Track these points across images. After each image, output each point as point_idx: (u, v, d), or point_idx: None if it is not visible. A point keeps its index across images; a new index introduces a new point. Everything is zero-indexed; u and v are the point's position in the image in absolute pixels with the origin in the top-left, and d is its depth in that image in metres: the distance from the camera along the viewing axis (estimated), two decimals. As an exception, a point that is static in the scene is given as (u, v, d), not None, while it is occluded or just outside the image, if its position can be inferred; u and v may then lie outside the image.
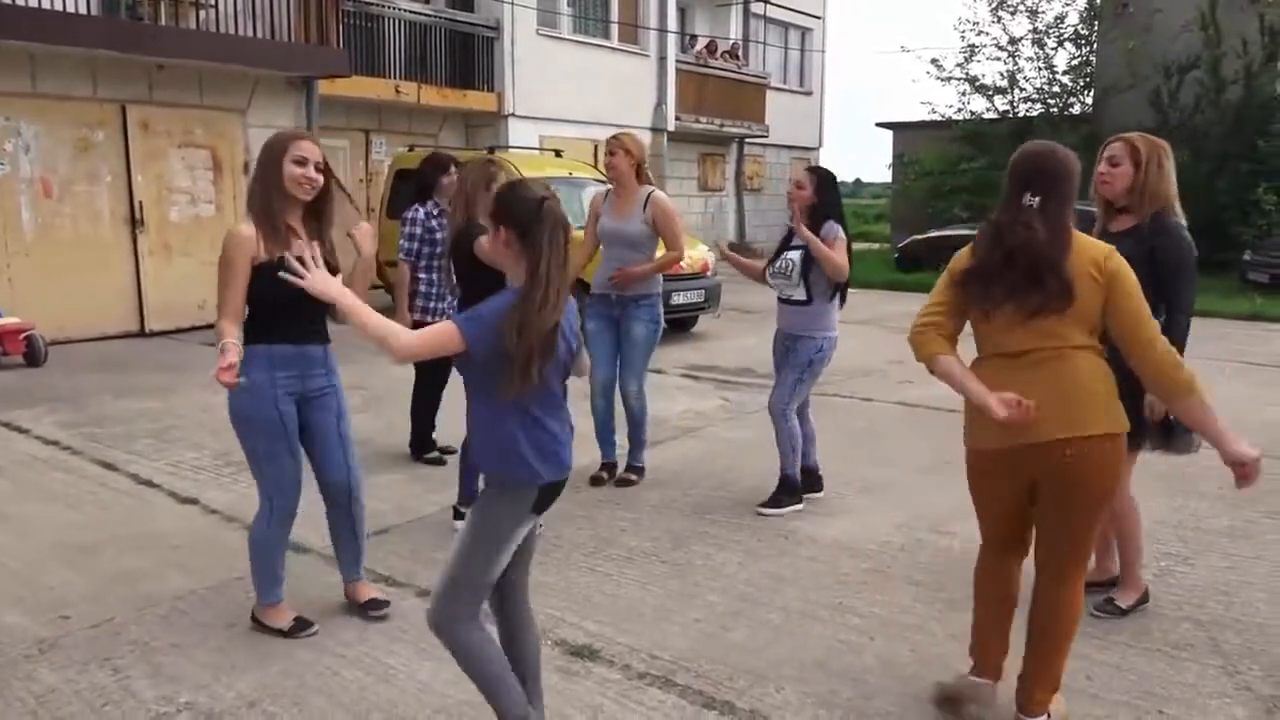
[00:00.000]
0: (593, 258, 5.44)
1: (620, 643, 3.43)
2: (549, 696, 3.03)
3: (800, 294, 4.70)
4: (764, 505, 4.85)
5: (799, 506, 4.85)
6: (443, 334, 2.37)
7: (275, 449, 3.31)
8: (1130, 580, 3.72)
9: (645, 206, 5.07)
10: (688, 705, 3.03)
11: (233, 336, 3.13)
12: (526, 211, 2.40)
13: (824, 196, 4.68)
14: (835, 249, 4.60)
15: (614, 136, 5.17)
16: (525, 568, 2.75)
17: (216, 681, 3.14)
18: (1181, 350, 3.00)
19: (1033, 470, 2.72)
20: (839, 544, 4.44)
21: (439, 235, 5.44)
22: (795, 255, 4.71)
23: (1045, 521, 2.79)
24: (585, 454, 5.14)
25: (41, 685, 3.12)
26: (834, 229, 4.64)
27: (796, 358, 4.76)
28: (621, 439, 5.39)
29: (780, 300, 4.84)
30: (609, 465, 5.37)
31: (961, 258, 2.80)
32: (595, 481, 5.27)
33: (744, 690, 3.12)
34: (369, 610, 3.62)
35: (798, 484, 4.88)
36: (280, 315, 3.23)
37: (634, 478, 5.32)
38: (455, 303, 5.39)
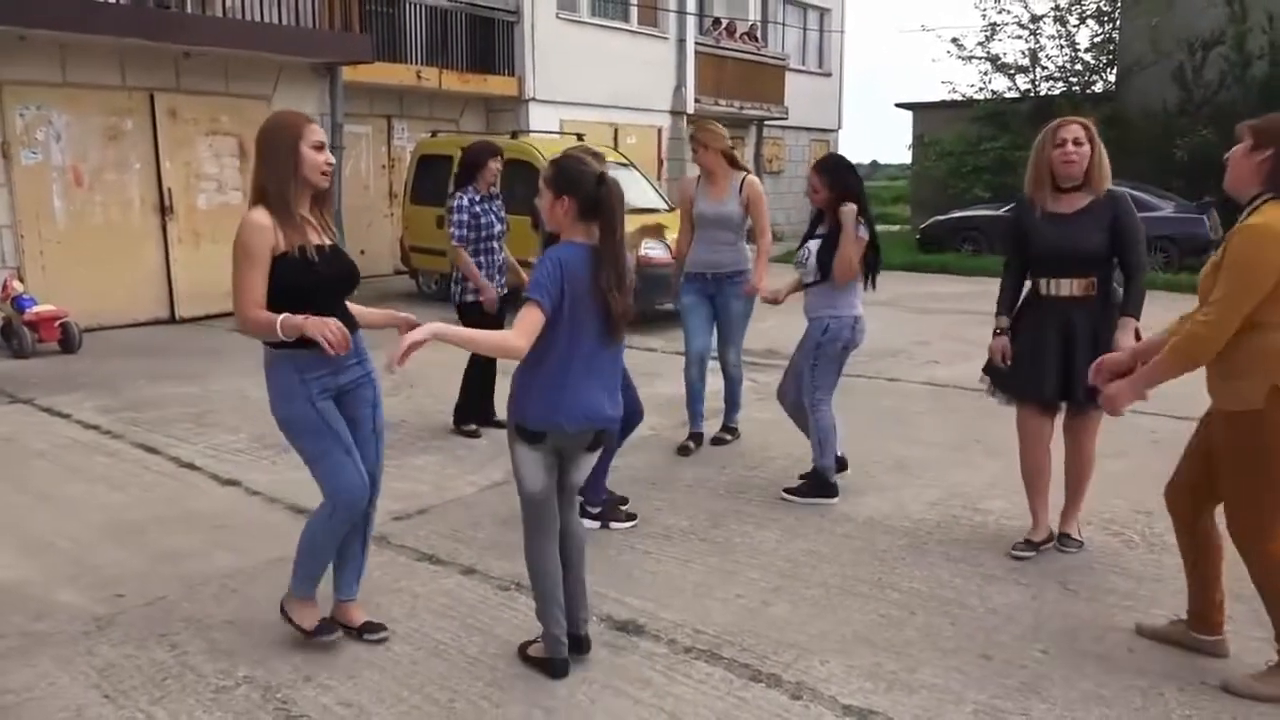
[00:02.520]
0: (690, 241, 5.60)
1: (664, 618, 3.49)
2: (597, 670, 3.13)
3: (813, 277, 4.62)
4: (788, 490, 4.78)
5: (831, 501, 4.67)
6: (532, 318, 2.77)
7: (323, 447, 3.07)
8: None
9: (741, 189, 5.37)
10: (735, 678, 3.08)
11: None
12: (589, 183, 2.84)
13: (840, 187, 4.49)
14: (847, 243, 4.44)
15: (692, 135, 5.48)
16: (569, 499, 3.15)
17: (272, 656, 3.21)
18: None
19: None
20: (874, 521, 4.48)
21: (483, 220, 5.68)
22: (813, 244, 4.64)
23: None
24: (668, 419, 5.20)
25: (102, 660, 3.20)
26: (859, 230, 4.46)
27: (805, 340, 4.70)
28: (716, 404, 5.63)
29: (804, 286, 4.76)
30: (696, 435, 5.66)
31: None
32: (683, 450, 5.53)
33: (789, 663, 3.16)
34: (366, 634, 3.31)
35: (826, 479, 4.71)
36: (300, 311, 2.92)
37: (729, 437, 5.74)
38: (504, 281, 5.82)
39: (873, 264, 4.67)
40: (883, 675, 3.09)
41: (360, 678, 3.08)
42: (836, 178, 4.53)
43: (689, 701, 2.94)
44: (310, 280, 2.99)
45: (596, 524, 4.35)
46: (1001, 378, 4.05)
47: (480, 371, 5.97)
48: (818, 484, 4.74)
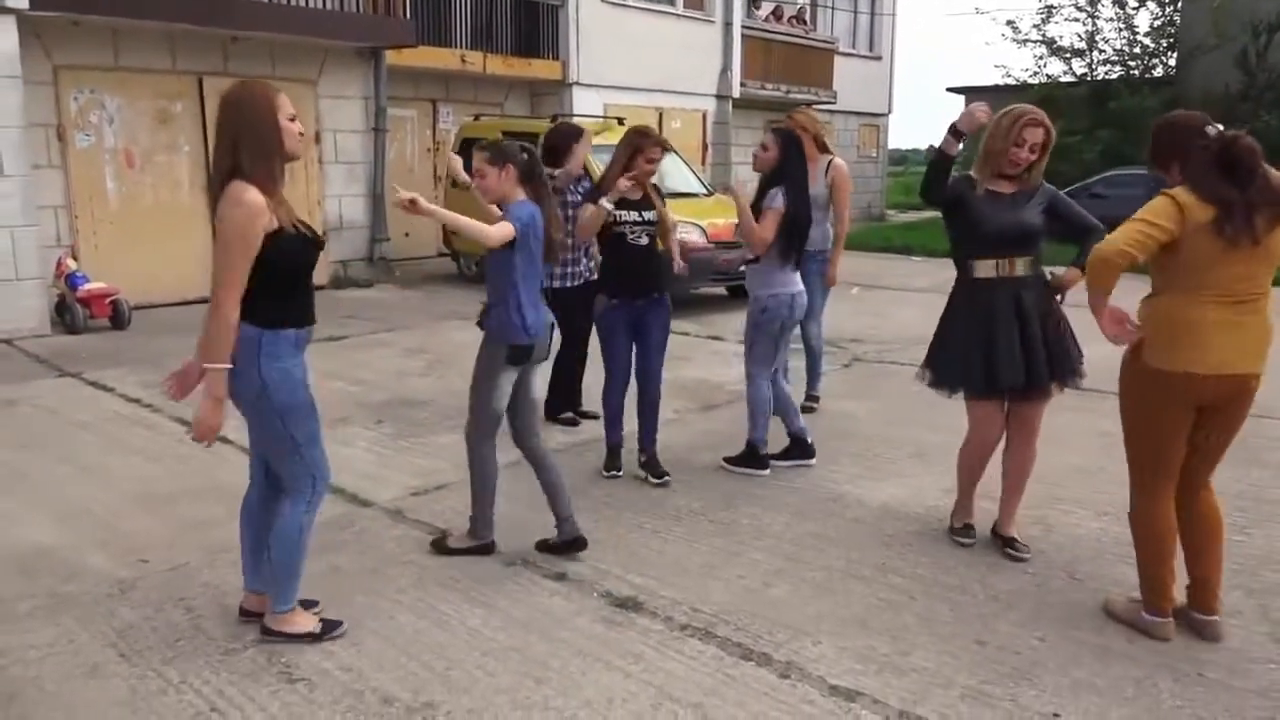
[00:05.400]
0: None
1: (664, 596, 3.54)
2: (592, 645, 3.19)
3: (750, 254, 4.82)
4: (727, 459, 5.03)
5: (762, 473, 4.90)
6: (507, 230, 3.54)
7: (314, 430, 3.07)
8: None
9: (827, 172, 5.74)
10: (726, 656, 3.12)
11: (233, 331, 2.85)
12: (519, 154, 3.69)
13: (787, 160, 4.68)
14: (764, 219, 4.61)
15: (789, 115, 5.76)
16: (526, 420, 3.87)
17: (281, 622, 3.32)
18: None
19: (1213, 396, 3.08)
20: (887, 507, 4.48)
21: (569, 199, 5.62)
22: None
23: (1209, 442, 3.19)
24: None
25: (121, 621, 3.34)
26: (773, 198, 4.63)
27: (748, 317, 4.92)
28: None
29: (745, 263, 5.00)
30: (813, 396, 6.19)
31: (1185, 201, 2.95)
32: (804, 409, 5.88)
33: (782, 643, 3.20)
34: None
35: (757, 450, 4.93)
36: (296, 291, 2.97)
37: (813, 405, 6.12)
38: (592, 265, 5.75)
39: (794, 238, 4.73)
40: (874, 658, 3.11)
41: (362, 645, 3.18)
42: (789, 148, 4.71)
43: (678, 677, 2.99)
44: (311, 257, 3.00)
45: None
46: (952, 371, 3.93)
47: (567, 364, 5.82)
48: (749, 455, 4.97)
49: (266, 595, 3.24)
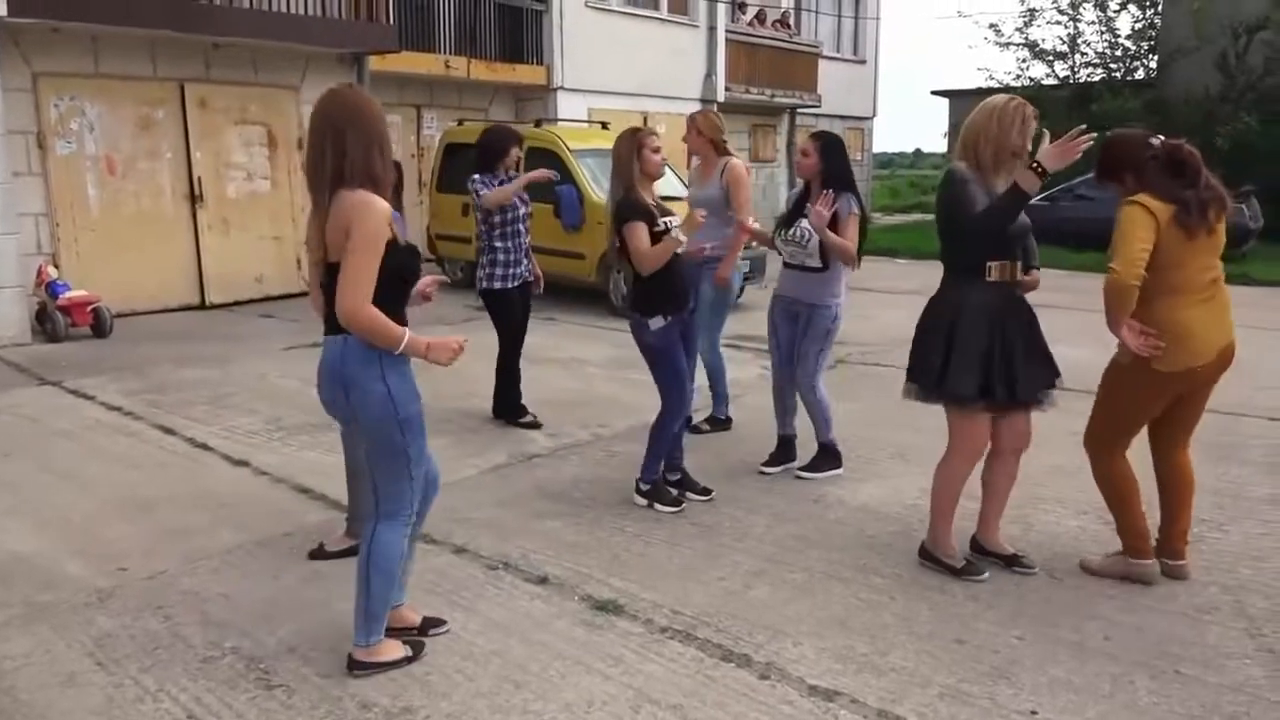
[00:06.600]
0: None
1: (644, 599, 3.54)
2: (571, 648, 3.18)
3: (815, 261, 4.71)
4: (803, 469, 4.96)
5: (839, 471, 4.95)
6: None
7: (422, 445, 2.97)
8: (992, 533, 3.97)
9: (722, 174, 5.53)
10: (706, 658, 3.12)
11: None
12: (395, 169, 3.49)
13: (830, 162, 4.67)
14: (848, 226, 4.61)
15: (689, 117, 5.76)
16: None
17: (259, 629, 3.31)
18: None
19: (1205, 377, 3.46)
20: (867, 508, 4.49)
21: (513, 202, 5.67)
22: (810, 225, 4.64)
23: (1186, 413, 3.57)
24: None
25: (99, 630, 3.32)
26: (848, 204, 4.61)
27: (814, 329, 4.80)
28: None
29: (788, 265, 4.86)
30: (714, 419, 5.86)
31: (1152, 205, 3.28)
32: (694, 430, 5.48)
33: (762, 644, 3.20)
34: (431, 630, 3.26)
35: (837, 449, 4.98)
36: (400, 299, 2.90)
37: (705, 427, 5.76)
38: (530, 266, 5.86)
39: (861, 239, 4.79)
40: (853, 657, 3.12)
41: (340, 650, 3.15)
42: (829, 151, 4.71)
43: (658, 680, 2.99)
44: (418, 268, 2.91)
45: (644, 501, 4.50)
46: (965, 382, 3.61)
47: (510, 365, 5.92)
48: (831, 456, 4.97)
49: (405, 607, 3.24)
